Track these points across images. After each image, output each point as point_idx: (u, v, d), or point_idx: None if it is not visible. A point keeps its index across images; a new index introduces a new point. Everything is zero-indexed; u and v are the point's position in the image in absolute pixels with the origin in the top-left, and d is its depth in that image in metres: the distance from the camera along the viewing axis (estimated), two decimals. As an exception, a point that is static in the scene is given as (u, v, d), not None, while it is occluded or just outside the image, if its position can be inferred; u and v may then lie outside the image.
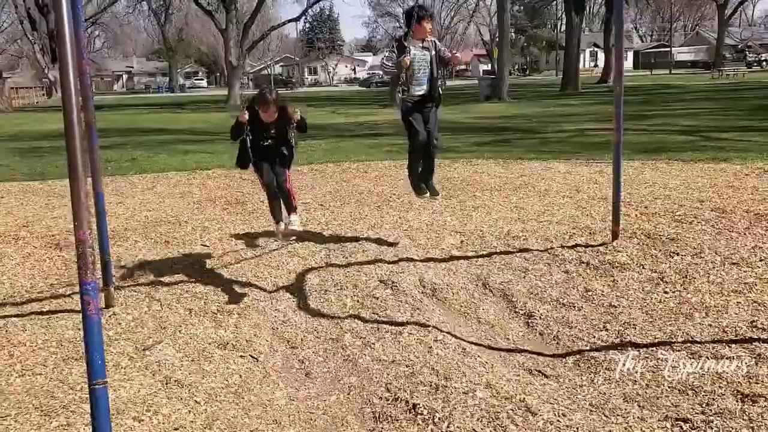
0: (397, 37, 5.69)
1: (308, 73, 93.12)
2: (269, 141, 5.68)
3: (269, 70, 77.48)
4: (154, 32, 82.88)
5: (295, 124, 5.69)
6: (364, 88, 63.55)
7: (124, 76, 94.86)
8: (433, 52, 5.56)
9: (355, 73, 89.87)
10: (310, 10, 45.20)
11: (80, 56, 2.76)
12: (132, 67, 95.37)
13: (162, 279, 5.64)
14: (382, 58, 5.78)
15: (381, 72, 6.28)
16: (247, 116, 5.51)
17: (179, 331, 4.62)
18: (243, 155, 5.75)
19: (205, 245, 6.63)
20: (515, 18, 70.70)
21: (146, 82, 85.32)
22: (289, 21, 41.41)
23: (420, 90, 5.62)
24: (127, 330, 4.62)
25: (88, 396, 3.58)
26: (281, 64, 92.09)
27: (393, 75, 5.54)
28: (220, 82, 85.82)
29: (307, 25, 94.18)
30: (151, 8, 65.57)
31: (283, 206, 5.88)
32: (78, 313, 4.49)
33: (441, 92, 5.76)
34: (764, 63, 61.19)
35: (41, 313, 4.94)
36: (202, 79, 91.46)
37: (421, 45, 5.55)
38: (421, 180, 6.13)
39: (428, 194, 6.18)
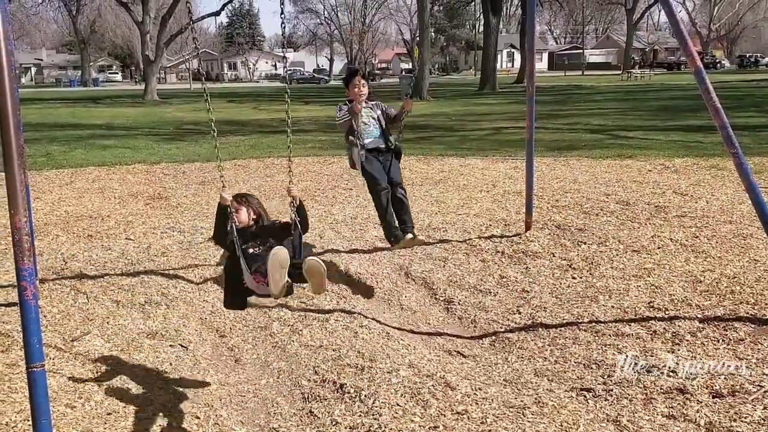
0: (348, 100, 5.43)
1: (228, 69, 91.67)
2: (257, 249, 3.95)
3: (187, 64, 75.67)
4: (65, 23, 79.50)
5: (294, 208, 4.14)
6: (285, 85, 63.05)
7: (32, 68, 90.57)
8: (379, 112, 5.47)
9: (275, 69, 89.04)
10: (229, 5, 44.37)
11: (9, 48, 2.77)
12: (41, 60, 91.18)
13: (87, 272, 5.62)
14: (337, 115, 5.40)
15: (337, 125, 5.52)
16: (229, 197, 3.86)
17: (107, 323, 4.65)
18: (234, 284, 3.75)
19: (130, 239, 6.62)
20: (435, 18, 71.72)
21: (57, 75, 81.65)
22: (209, 15, 40.55)
23: (372, 142, 5.39)
24: (54, 322, 4.62)
25: (15, 386, 3.64)
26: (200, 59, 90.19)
27: (345, 124, 5.31)
28: (135, 76, 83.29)
29: (227, 19, 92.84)
30: (62, -2, 63.06)
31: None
32: None
33: (399, 144, 5.60)
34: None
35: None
36: (117, 73, 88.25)
37: (368, 105, 5.43)
38: (397, 227, 5.34)
39: (403, 240, 5.26)
